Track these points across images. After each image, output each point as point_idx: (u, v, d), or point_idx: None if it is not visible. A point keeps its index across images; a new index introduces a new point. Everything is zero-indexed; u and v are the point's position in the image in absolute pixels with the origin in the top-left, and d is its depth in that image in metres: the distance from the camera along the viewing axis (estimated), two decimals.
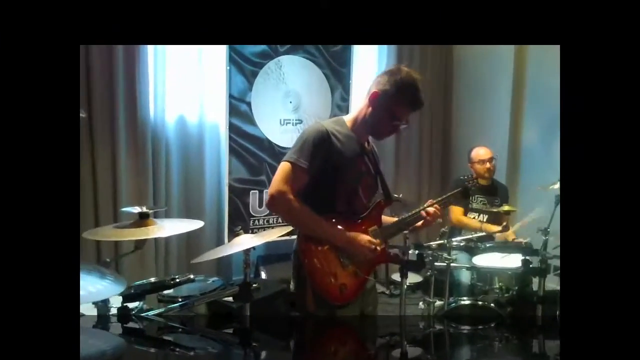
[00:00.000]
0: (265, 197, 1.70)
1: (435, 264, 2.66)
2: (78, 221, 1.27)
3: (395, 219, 1.97)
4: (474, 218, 3.50)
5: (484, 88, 4.76)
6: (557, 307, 2.81)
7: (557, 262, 2.90)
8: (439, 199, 1.97)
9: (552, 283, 3.55)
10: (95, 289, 1.28)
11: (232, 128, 3.68)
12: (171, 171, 3.68)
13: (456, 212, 3.50)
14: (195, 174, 3.79)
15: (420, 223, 1.94)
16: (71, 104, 1.02)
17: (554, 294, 2.93)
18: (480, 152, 3.53)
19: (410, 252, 2.80)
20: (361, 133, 1.84)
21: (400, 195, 2.86)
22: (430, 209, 1.90)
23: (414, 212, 1.91)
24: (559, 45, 1.26)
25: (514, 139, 4.51)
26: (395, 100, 1.75)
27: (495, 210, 3.23)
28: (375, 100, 1.78)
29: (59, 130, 1.00)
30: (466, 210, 3.51)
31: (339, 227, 1.76)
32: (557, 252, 2.73)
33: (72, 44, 1.03)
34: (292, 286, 1.88)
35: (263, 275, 3.81)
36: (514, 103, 4.47)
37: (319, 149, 1.70)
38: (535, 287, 2.89)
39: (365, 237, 1.78)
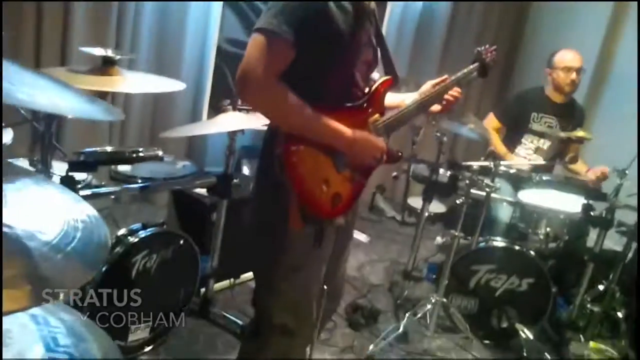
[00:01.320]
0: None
1: (472, 190, 2.66)
2: None
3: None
4: (531, 142, 3.45)
5: None
6: (612, 272, 2.89)
7: (626, 216, 2.93)
8: (455, 76, 1.98)
9: (611, 241, 3.63)
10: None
11: None
12: (142, 13, 3.56)
13: (489, 120, 3.52)
14: (173, 22, 3.68)
15: (436, 108, 1.97)
16: None
17: (611, 255, 3.01)
18: (567, 57, 3.38)
19: (440, 171, 2.86)
20: None
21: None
22: (451, 92, 1.93)
23: (426, 94, 1.91)
24: None
25: (607, 50, 4.34)
26: None
27: (564, 135, 3.16)
28: None
29: None
30: (524, 130, 3.45)
31: (336, 122, 1.64)
32: (632, 201, 2.74)
33: None
34: (258, 201, 1.80)
35: (245, 171, 3.85)
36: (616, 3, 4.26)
37: (309, 12, 1.53)
38: (591, 242, 2.94)
39: (372, 141, 1.72)
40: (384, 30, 4.16)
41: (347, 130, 1.65)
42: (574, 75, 3.35)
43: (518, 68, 5.04)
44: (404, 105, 1.89)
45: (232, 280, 2.97)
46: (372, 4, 1.78)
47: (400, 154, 1.89)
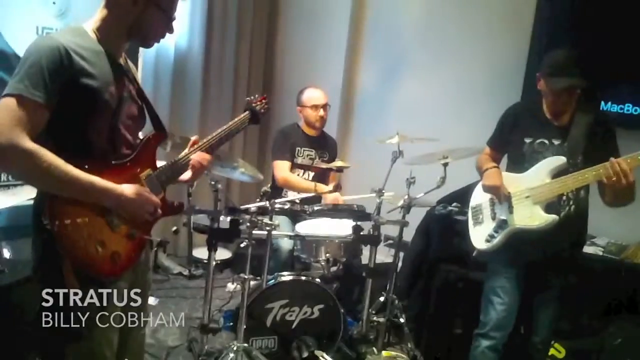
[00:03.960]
0: None
1: (254, 232, 2.79)
2: None
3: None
4: (298, 176, 3.75)
5: (319, 16, 5.01)
6: (387, 282, 3.25)
7: (390, 230, 3.33)
8: (221, 129, 2.05)
9: (381, 255, 4.06)
10: None
11: None
12: None
13: (281, 167, 3.71)
14: None
15: (187, 175, 2.00)
16: None
17: (385, 267, 3.38)
18: (314, 95, 3.77)
19: (221, 218, 2.95)
20: (115, 44, 1.77)
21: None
22: (199, 159, 1.97)
23: (191, 149, 1.97)
24: None
25: (349, 83, 4.91)
26: None
27: (324, 166, 3.51)
28: None
29: None
30: (292, 165, 3.74)
31: (102, 180, 1.64)
32: (392, 217, 3.13)
33: None
34: (35, 265, 1.72)
35: (6, 254, 3.51)
36: (351, 39, 4.83)
37: (57, 72, 1.57)
38: (365, 259, 3.26)
39: (143, 195, 1.73)
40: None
41: (114, 187, 1.66)
42: (321, 112, 3.74)
43: (275, 104, 5.37)
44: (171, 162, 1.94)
45: None
46: (128, 63, 1.87)
47: (180, 204, 1.93)
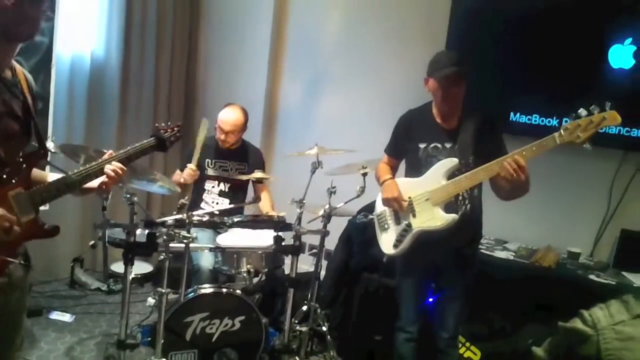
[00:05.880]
0: None
1: (171, 245, 2.73)
2: None
3: None
4: (212, 187, 3.74)
5: (241, 28, 5.00)
6: (309, 291, 3.26)
7: (313, 239, 3.33)
8: (124, 151, 1.96)
9: (305, 264, 4.08)
10: None
11: None
12: None
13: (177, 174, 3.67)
14: None
15: (95, 184, 1.92)
16: None
17: (308, 277, 3.39)
18: (222, 117, 3.68)
19: (138, 232, 2.87)
20: None
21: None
22: (110, 168, 1.89)
23: (87, 167, 1.87)
24: None
25: (272, 96, 4.92)
26: None
27: (242, 178, 3.49)
28: None
29: None
30: (204, 178, 3.71)
31: None
32: (312, 226, 3.15)
33: None
34: None
35: None
36: (273, 51, 4.85)
37: None
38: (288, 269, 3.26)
39: None
40: (51, 96, 4.01)
41: None
42: (223, 137, 3.66)
43: (197, 116, 5.31)
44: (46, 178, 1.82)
45: None
46: (16, 73, 1.73)
47: (54, 227, 1.79)
